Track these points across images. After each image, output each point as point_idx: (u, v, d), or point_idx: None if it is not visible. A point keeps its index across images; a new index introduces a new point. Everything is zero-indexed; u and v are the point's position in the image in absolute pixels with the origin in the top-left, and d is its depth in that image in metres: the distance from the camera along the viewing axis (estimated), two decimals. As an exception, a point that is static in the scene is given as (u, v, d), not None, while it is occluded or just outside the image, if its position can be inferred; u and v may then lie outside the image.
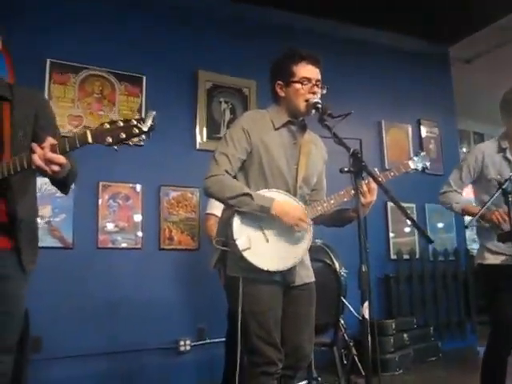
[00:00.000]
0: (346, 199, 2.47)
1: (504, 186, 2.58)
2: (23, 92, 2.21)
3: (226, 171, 2.37)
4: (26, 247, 2.12)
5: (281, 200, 2.34)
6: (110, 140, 1.85)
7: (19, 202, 2.10)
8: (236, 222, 2.32)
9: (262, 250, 2.32)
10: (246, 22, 5.44)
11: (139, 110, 4.78)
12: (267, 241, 2.35)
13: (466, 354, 5.81)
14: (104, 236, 4.50)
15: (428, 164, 2.70)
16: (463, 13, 5.74)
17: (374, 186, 2.35)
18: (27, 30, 4.35)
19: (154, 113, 1.87)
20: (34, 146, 1.88)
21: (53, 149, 1.88)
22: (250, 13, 5.45)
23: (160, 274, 4.64)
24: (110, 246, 4.52)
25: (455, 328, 6.22)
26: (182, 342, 4.61)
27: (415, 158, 2.66)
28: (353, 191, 2.30)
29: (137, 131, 1.84)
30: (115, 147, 1.87)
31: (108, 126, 1.86)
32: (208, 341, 4.68)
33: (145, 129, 1.84)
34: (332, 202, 2.47)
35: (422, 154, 2.71)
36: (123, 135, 1.84)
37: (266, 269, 2.30)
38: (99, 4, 4.77)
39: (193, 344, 4.67)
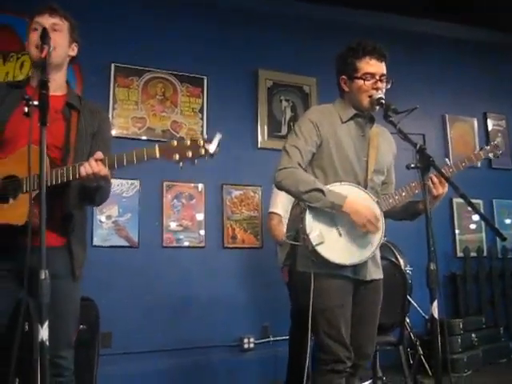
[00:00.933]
0: (417, 191, 2.44)
1: None
2: (90, 105, 2.33)
3: (299, 164, 2.36)
4: (77, 248, 2.20)
5: (353, 198, 2.32)
6: (177, 158, 1.92)
7: (75, 206, 2.19)
8: (308, 216, 2.31)
9: (335, 244, 2.31)
10: (304, 20, 5.41)
11: (201, 111, 4.85)
12: (340, 235, 2.34)
13: (538, 355, 5.59)
14: (168, 235, 4.59)
15: (500, 153, 2.64)
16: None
17: (436, 180, 2.33)
18: (91, 35, 4.49)
19: (220, 136, 1.91)
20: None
21: (102, 162, 1.98)
22: (309, 10, 5.42)
23: (224, 272, 4.70)
24: (175, 244, 4.60)
25: (527, 328, 5.99)
26: (246, 340, 4.65)
27: (487, 148, 2.62)
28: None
29: (203, 152, 1.91)
30: (180, 164, 1.92)
31: (175, 144, 1.92)
32: (272, 338, 4.70)
33: (211, 151, 1.90)
34: (404, 194, 2.45)
35: (494, 142, 2.65)
36: (190, 154, 1.92)
37: (339, 262, 2.29)
38: (160, 6, 4.86)
39: (257, 342, 4.70)
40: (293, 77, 5.27)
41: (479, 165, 5.63)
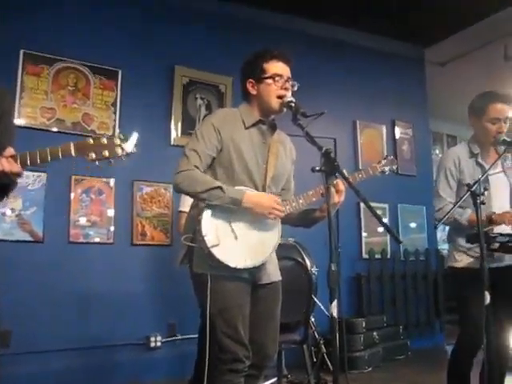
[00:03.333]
0: (314, 199, 2.47)
1: (473, 189, 2.61)
2: None
3: (196, 166, 2.36)
4: None
5: (251, 192, 2.35)
6: (93, 156, 1.86)
7: None
8: (205, 218, 2.30)
9: (231, 246, 2.31)
10: (223, 19, 5.42)
11: (114, 104, 4.74)
12: (236, 238, 2.34)
13: (434, 352, 5.89)
14: (76, 230, 4.46)
15: (395, 167, 2.73)
16: (439, 16, 5.81)
17: (342, 187, 2.37)
18: (0, 20, 4.29)
19: (137, 135, 1.88)
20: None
21: (14, 159, 1.88)
22: (228, 10, 5.44)
23: (132, 270, 4.63)
24: (82, 240, 4.48)
25: (424, 327, 6.31)
26: (152, 338, 4.60)
27: (384, 162, 2.70)
28: (321, 191, 2.34)
29: (120, 151, 1.86)
30: (97, 163, 1.87)
31: (92, 142, 1.86)
32: (179, 337, 4.68)
33: (128, 150, 1.86)
34: (301, 201, 2.47)
35: (390, 157, 2.74)
36: (106, 153, 1.86)
37: (234, 266, 2.29)
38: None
39: (163, 340, 4.66)
40: (209, 75, 5.26)
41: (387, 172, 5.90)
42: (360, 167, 5.98)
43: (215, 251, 2.27)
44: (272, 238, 2.41)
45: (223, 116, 2.51)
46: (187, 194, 2.42)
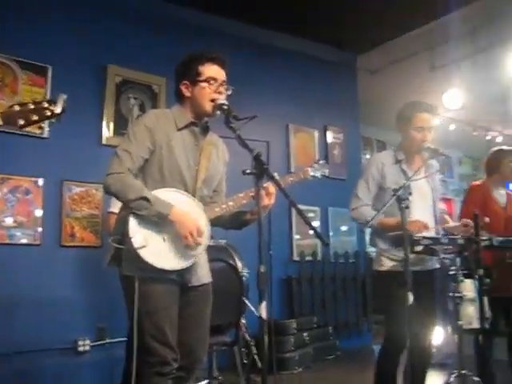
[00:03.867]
0: (244, 201, 2.49)
1: (398, 193, 2.70)
2: None
3: (129, 169, 2.33)
4: None
5: (180, 208, 2.32)
6: (22, 122, 1.82)
7: None
8: (133, 219, 2.28)
9: (159, 248, 2.30)
10: (158, 19, 5.38)
11: (43, 102, 4.60)
12: (164, 239, 2.33)
13: (362, 352, 6.06)
14: (0, 231, 4.29)
15: (327, 172, 2.80)
16: (371, 25, 6.00)
17: (272, 190, 2.40)
18: None
19: (65, 96, 1.85)
20: None
21: None
22: (163, 10, 5.40)
23: (60, 272, 4.50)
24: (7, 241, 4.31)
25: (353, 327, 6.48)
26: (80, 342, 4.49)
27: (315, 166, 2.75)
28: (252, 194, 2.36)
29: (49, 113, 1.84)
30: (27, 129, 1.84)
31: (18, 109, 1.81)
32: (108, 340, 4.59)
33: (58, 111, 1.82)
34: (231, 203, 2.49)
35: (322, 162, 2.81)
36: (35, 117, 1.83)
37: (161, 267, 2.28)
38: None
39: (92, 344, 4.56)
40: (142, 75, 5.20)
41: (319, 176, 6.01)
42: (292, 170, 6.07)
43: (142, 252, 2.25)
44: (203, 236, 2.39)
45: (155, 117, 2.48)
46: (116, 197, 2.39)
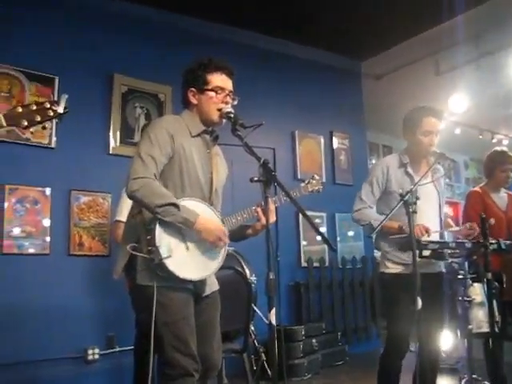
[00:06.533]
0: (256, 215, 2.49)
1: (405, 198, 2.71)
2: None
3: (155, 175, 2.30)
4: None
5: (204, 216, 2.32)
6: (26, 123, 1.85)
7: None
8: (159, 228, 2.25)
9: (183, 258, 2.29)
10: (164, 29, 5.42)
11: (50, 112, 4.63)
12: (187, 249, 2.33)
13: (371, 357, 6.00)
14: (9, 241, 4.31)
15: (321, 188, 2.81)
16: (375, 31, 6.02)
17: (271, 207, 2.39)
18: None
19: (67, 96, 1.88)
20: None
21: None
22: (169, 20, 5.44)
23: (69, 281, 4.51)
24: (16, 251, 4.33)
25: (361, 332, 6.46)
26: (90, 351, 4.50)
27: (312, 181, 2.77)
28: (256, 212, 2.42)
29: (51, 113, 1.87)
30: (31, 130, 1.86)
31: (21, 110, 1.84)
32: (118, 349, 4.60)
33: (60, 110, 1.85)
34: (245, 216, 2.50)
35: (317, 178, 2.82)
36: (38, 118, 1.86)
37: (186, 277, 2.27)
38: None
39: (102, 352, 4.56)
40: (148, 84, 5.23)
41: (324, 179, 6.02)
42: (299, 177, 6.10)
43: (168, 262, 2.23)
44: (219, 252, 2.42)
45: (174, 122, 2.47)
46: (141, 203, 2.29)
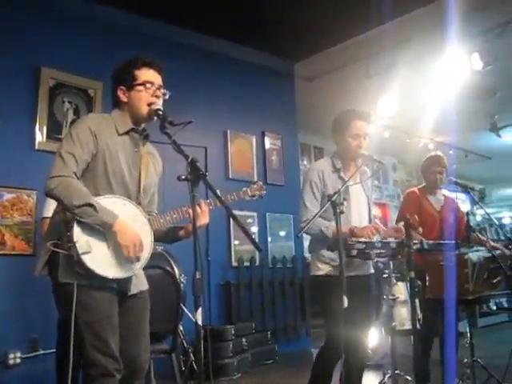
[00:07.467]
0: (188, 216, 2.45)
1: (333, 199, 2.76)
2: None
3: (74, 173, 2.26)
4: None
5: (125, 220, 2.28)
6: None
7: None
8: (78, 224, 2.20)
9: (102, 255, 2.24)
10: (96, 23, 5.29)
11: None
12: (108, 247, 2.27)
13: (300, 355, 6.12)
14: None
15: (263, 193, 2.88)
16: (308, 33, 6.12)
17: (204, 208, 2.42)
18: None
19: None
20: None
21: None
22: (100, 13, 5.31)
23: (-11, 282, 4.33)
24: None
25: (291, 332, 6.54)
26: (11, 355, 4.32)
27: (254, 186, 2.83)
28: (187, 213, 2.40)
29: None
30: None
31: None
32: (41, 352, 4.45)
33: None
34: (175, 216, 2.48)
35: (259, 184, 2.88)
36: None
37: (103, 275, 2.22)
38: None
39: (24, 356, 4.40)
40: (78, 78, 5.08)
41: (256, 179, 6.04)
42: (230, 176, 6.13)
43: (86, 258, 2.18)
44: (144, 248, 2.36)
45: (98, 120, 2.44)
46: (59, 202, 2.26)
